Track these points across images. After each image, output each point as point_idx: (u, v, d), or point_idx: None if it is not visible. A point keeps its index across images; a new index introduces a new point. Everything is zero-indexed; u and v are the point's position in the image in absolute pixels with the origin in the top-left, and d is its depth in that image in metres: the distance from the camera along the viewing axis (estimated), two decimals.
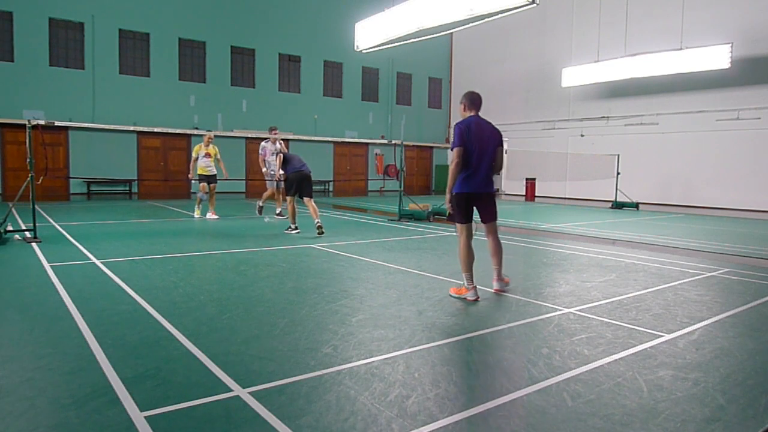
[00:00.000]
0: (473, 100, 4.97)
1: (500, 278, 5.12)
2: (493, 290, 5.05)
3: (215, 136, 12.09)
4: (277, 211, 11.65)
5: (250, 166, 21.22)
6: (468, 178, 4.81)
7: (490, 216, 5.08)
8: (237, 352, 3.28)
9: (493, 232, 5.13)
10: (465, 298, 4.73)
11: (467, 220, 4.89)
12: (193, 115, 19.80)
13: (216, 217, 11.22)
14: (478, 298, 4.73)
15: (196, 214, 11.33)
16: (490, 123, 4.94)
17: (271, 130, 11.46)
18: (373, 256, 6.93)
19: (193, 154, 11.13)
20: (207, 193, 11.21)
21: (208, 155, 11.16)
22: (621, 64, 17.01)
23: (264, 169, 11.36)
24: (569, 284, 5.52)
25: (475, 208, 4.98)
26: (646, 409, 2.60)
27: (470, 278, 4.78)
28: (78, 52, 17.67)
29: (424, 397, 2.68)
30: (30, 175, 7.78)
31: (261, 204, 11.74)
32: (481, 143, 4.78)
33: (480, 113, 4.97)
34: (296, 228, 9.03)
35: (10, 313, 4.08)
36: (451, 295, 4.87)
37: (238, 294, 4.78)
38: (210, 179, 11.21)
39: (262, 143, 11.41)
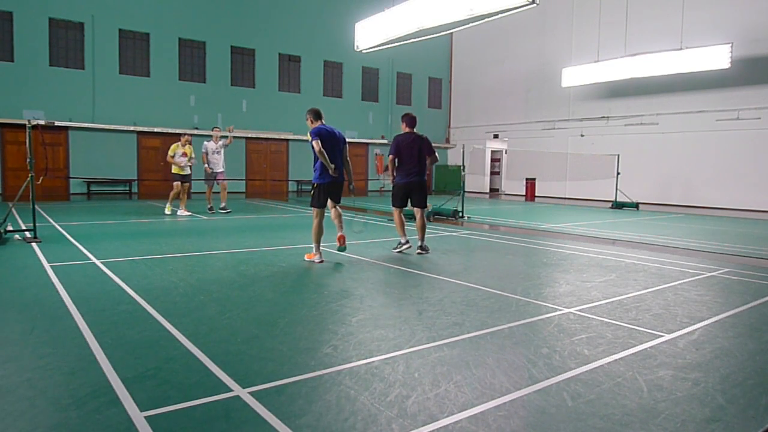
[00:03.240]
0: (317, 114, 6.44)
1: (341, 232, 6.73)
2: (336, 237, 6.71)
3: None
4: (175, 210, 12.10)
5: (250, 166, 21.23)
6: (325, 170, 6.32)
7: (337, 199, 6.69)
8: (237, 352, 3.28)
9: (336, 209, 6.75)
10: (314, 261, 6.39)
11: (322, 206, 6.47)
12: (193, 115, 19.79)
13: (188, 213, 11.79)
14: (323, 260, 6.44)
15: (168, 210, 11.83)
16: (333, 128, 6.46)
17: (213, 129, 12.92)
18: (373, 256, 6.93)
19: (170, 152, 11.64)
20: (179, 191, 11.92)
21: (184, 155, 11.69)
22: (621, 64, 17.00)
23: (205, 165, 12.10)
24: (569, 284, 5.52)
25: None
26: (646, 409, 2.60)
27: (318, 247, 6.48)
28: (78, 52, 17.66)
29: (424, 397, 2.68)
30: (30, 175, 7.78)
31: (211, 204, 12.57)
32: (332, 144, 6.35)
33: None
34: (407, 242, 7.27)
35: (10, 313, 4.08)
36: (305, 259, 6.51)
37: (238, 294, 4.78)
38: (185, 178, 11.85)
39: (205, 142, 12.39)
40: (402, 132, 7.29)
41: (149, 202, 15.87)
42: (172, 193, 11.86)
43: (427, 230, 7.62)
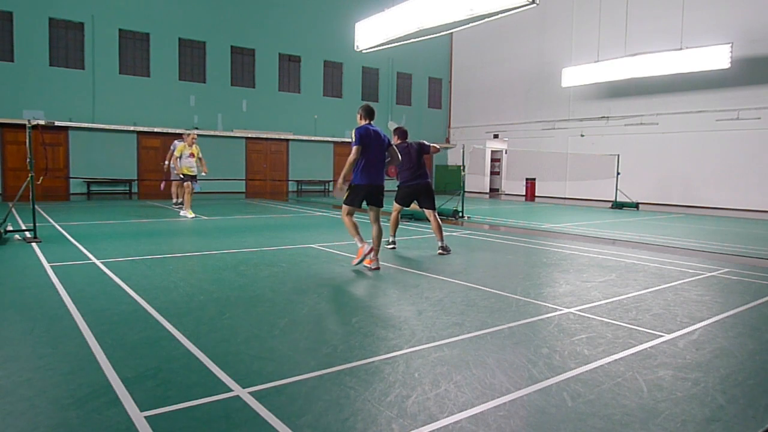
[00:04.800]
0: (368, 112, 6.19)
1: (376, 258, 6.06)
2: (372, 268, 6.00)
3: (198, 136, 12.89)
4: (175, 201, 13.58)
5: (250, 166, 21.23)
6: (365, 172, 6.02)
7: (378, 203, 6.21)
8: (237, 352, 3.28)
9: (377, 219, 6.20)
10: (367, 261, 5.96)
11: (353, 204, 6.09)
12: (193, 115, 19.80)
13: (193, 215, 11.54)
14: (372, 249, 5.99)
15: (190, 214, 11.47)
16: (378, 129, 6.17)
17: (186, 131, 13.76)
18: None
19: (176, 153, 11.57)
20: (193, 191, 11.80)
21: (191, 155, 11.60)
22: (621, 64, 17.01)
23: (171, 165, 12.57)
24: (569, 284, 5.52)
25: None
26: (646, 409, 2.60)
27: (361, 239, 6.04)
28: (78, 52, 17.67)
29: (424, 397, 2.68)
30: (30, 175, 7.78)
31: (177, 200, 13.45)
32: (376, 146, 6.06)
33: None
34: (394, 243, 7.63)
35: (10, 313, 4.08)
36: (365, 265, 6.01)
37: (238, 294, 4.78)
38: (194, 179, 11.78)
39: (175, 141, 12.83)
40: (396, 144, 7.56)
41: (149, 202, 15.86)
42: (186, 197, 11.58)
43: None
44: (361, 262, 6.04)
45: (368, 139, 5.99)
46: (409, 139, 7.62)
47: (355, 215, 6.22)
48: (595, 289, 5.29)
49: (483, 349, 3.42)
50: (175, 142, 12.85)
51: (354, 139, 5.97)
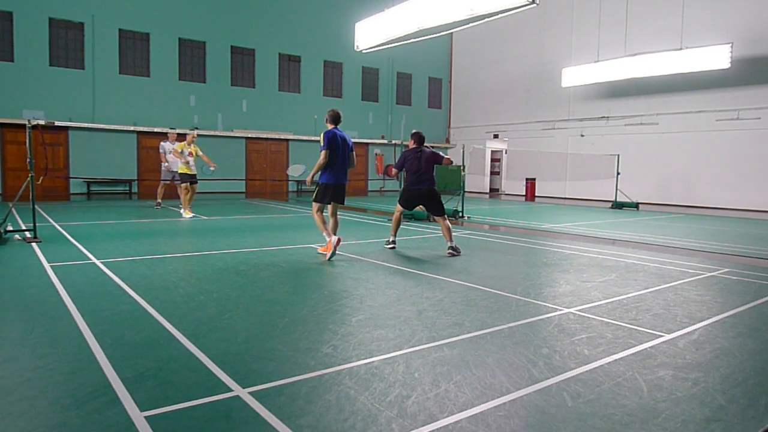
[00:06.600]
0: (334, 117, 6.77)
1: (333, 236, 6.73)
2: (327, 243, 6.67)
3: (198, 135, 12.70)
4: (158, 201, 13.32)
5: (250, 166, 21.22)
6: (332, 172, 6.68)
7: (341, 200, 6.88)
8: (237, 352, 3.28)
9: (335, 213, 6.96)
10: (332, 247, 6.50)
11: (323, 201, 6.77)
12: (193, 115, 19.79)
13: (191, 215, 11.44)
14: (340, 238, 6.69)
15: (188, 214, 11.41)
16: (345, 134, 6.83)
17: (170, 129, 14.02)
18: (372, 256, 6.94)
19: (177, 148, 11.47)
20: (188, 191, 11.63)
21: (191, 154, 11.51)
22: (621, 64, 17.01)
23: (165, 164, 12.77)
24: (569, 284, 5.52)
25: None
26: (646, 409, 2.60)
27: (329, 233, 6.62)
28: (78, 52, 17.66)
29: (424, 397, 2.68)
30: (30, 175, 7.78)
31: (159, 200, 13.30)
32: (342, 147, 6.71)
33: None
34: (393, 243, 7.66)
35: (10, 313, 4.08)
36: (318, 252, 6.84)
37: (238, 294, 4.78)
38: (193, 178, 11.64)
39: (161, 143, 12.99)
40: (409, 148, 7.64)
41: (149, 202, 15.85)
42: (185, 196, 11.46)
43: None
44: (333, 254, 6.55)
45: (335, 143, 6.64)
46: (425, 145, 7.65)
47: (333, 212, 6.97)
48: (595, 289, 5.30)
49: (483, 349, 3.42)
50: (161, 143, 12.90)
51: (323, 144, 6.61)
